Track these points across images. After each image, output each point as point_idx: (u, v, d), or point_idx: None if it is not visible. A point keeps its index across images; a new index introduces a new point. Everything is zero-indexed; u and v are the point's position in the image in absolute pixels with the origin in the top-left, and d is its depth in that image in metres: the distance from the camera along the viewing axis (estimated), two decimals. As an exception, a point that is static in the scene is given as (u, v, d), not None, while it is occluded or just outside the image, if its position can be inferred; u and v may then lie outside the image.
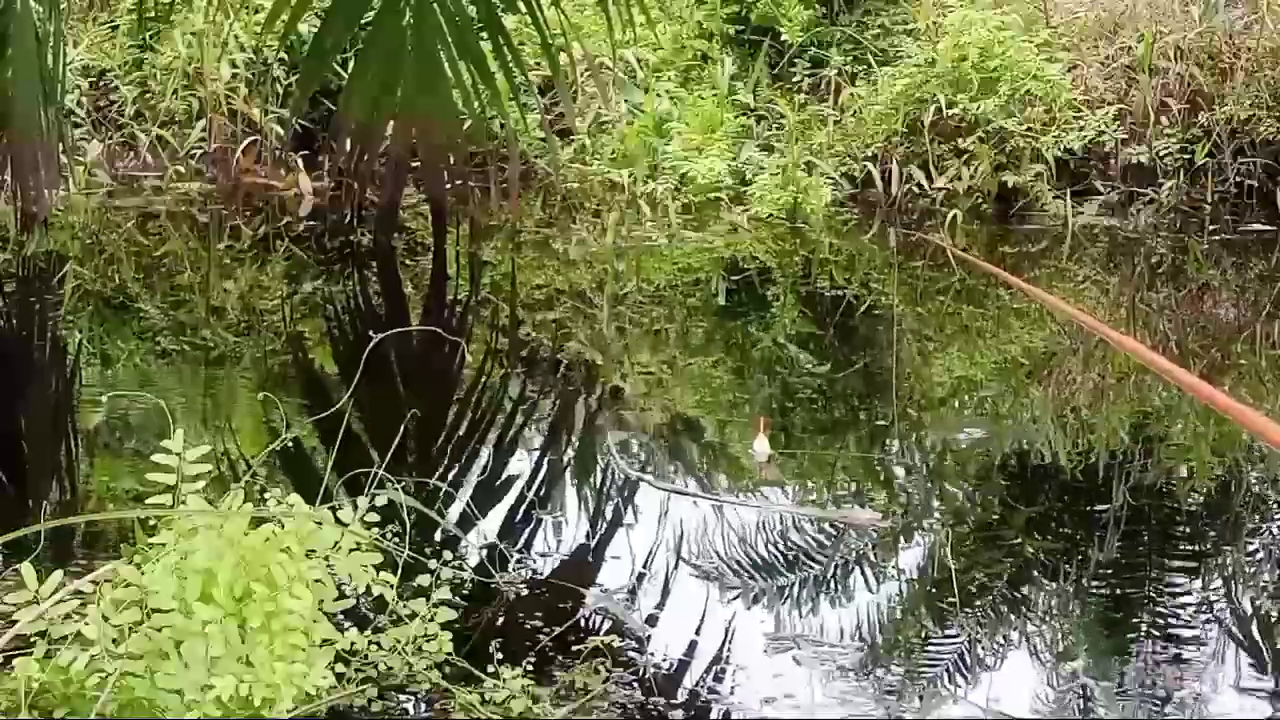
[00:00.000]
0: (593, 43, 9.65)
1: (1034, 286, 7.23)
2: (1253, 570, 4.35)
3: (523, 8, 7.65)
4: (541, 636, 3.67)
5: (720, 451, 5.33)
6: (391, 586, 3.32)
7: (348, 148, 8.21)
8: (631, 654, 3.61)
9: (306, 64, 8.96)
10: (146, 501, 3.25)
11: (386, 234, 8.51)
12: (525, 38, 9.22)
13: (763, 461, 4.98)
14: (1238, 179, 9.49)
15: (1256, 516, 4.79)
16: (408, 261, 8.55)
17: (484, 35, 7.93)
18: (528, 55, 9.28)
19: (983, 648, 3.75)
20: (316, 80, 8.97)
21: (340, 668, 3.26)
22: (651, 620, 3.86)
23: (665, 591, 4.07)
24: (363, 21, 8.24)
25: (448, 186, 8.34)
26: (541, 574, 4.11)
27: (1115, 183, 9.66)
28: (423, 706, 3.31)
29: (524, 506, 4.68)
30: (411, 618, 3.39)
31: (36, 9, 6.69)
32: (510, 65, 8.06)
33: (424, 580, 3.46)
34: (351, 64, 8.85)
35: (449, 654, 3.36)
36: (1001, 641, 3.82)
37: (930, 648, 3.76)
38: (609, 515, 4.68)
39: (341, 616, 3.35)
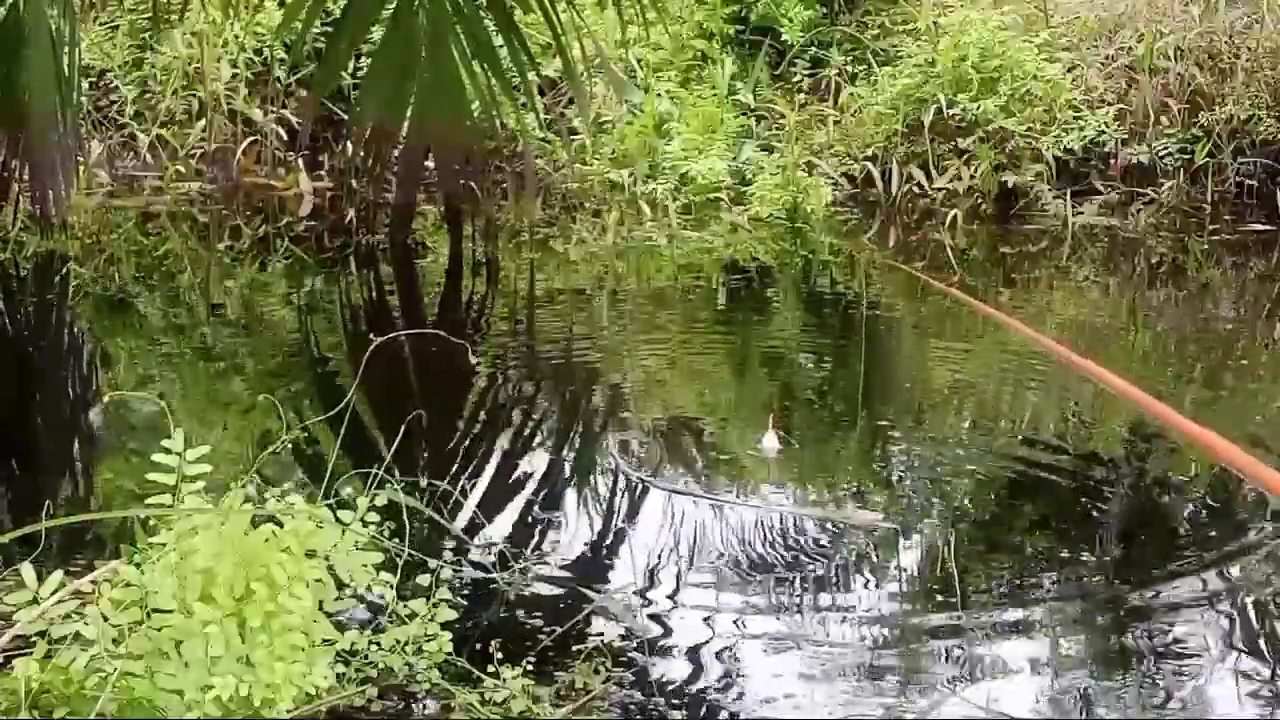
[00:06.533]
0: (592, 42, 9.63)
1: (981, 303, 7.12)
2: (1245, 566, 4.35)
3: (535, 7, 7.63)
4: (541, 636, 3.66)
5: (723, 451, 5.32)
6: (391, 586, 3.32)
7: (361, 148, 8.19)
8: (632, 654, 3.61)
9: (321, 66, 8.94)
10: (147, 501, 3.25)
11: (402, 234, 8.49)
12: (528, 37, 9.21)
13: (771, 457, 5.00)
14: (1238, 179, 9.49)
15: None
16: (409, 261, 8.55)
17: (496, 35, 7.92)
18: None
19: (982, 647, 3.75)
20: (332, 81, 8.94)
21: (340, 668, 3.27)
22: (652, 620, 3.85)
23: (666, 591, 4.06)
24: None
25: (460, 184, 8.33)
26: (542, 574, 4.11)
27: (1115, 183, 9.66)
28: (423, 706, 3.31)
29: (525, 506, 4.68)
30: (411, 617, 3.39)
31: (50, 12, 6.68)
32: (524, 65, 8.05)
33: (424, 580, 3.46)
34: (357, 65, 8.84)
35: (449, 654, 3.36)
36: (1001, 640, 3.82)
37: (930, 647, 3.75)
38: (610, 515, 4.68)
39: (350, 608, 3.35)
